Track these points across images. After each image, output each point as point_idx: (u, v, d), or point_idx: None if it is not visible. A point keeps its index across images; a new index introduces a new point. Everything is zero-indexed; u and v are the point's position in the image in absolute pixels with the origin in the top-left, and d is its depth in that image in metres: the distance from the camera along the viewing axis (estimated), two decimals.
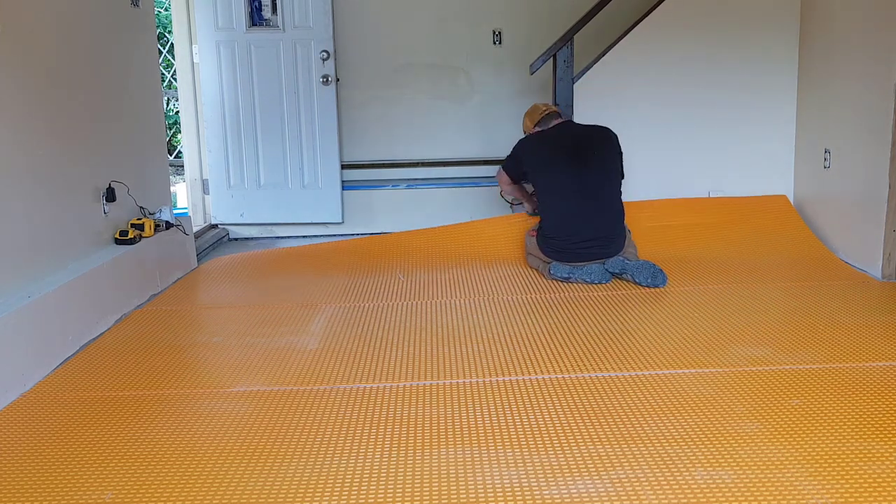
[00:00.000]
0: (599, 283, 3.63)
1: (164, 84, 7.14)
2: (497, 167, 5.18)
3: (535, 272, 3.90)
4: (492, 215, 5.18)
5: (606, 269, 3.66)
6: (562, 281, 3.70)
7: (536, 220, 4.06)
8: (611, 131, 3.87)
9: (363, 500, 1.83)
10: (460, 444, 2.08)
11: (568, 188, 3.74)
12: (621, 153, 3.87)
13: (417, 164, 5.24)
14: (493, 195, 5.19)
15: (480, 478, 1.91)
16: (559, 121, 3.97)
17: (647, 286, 3.55)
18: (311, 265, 4.28)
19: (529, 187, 4.15)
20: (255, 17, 4.97)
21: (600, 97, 4.34)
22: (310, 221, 5.16)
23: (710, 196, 4.48)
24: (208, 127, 5.07)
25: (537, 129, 4.00)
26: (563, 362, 2.65)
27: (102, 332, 3.13)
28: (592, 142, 3.82)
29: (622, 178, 3.88)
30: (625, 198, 4.10)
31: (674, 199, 4.45)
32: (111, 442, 2.16)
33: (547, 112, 3.99)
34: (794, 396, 2.32)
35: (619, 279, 3.68)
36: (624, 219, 3.84)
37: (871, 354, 2.64)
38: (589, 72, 4.36)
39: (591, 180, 3.74)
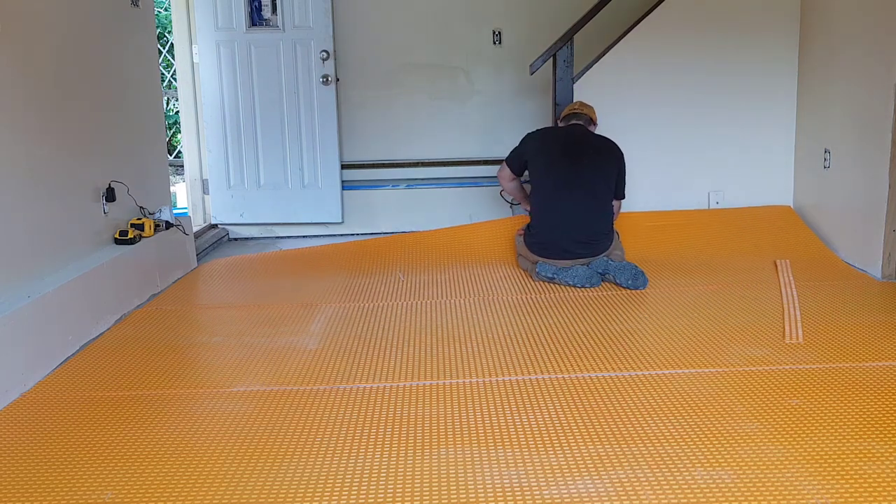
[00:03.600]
0: (584, 286, 3.59)
1: (164, 84, 7.14)
2: (497, 167, 5.21)
3: (526, 274, 3.90)
4: (492, 215, 5.20)
5: (592, 269, 3.63)
6: (546, 281, 3.69)
7: (528, 220, 4.08)
8: (616, 146, 3.91)
9: (363, 500, 1.83)
10: (460, 444, 2.08)
11: (559, 182, 3.79)
12: (622, 171, 3.90)
13: (417, 164, 5.24)
14: (494, 195, 5.19)
15: (480, 478, 1.91)
16: (574, 122, 4.00)
17: (629, 288, 3.54)
18: (310, 266, 4.29)
19: (529, 187, 4.17)
20: (255, 17, 4.97)
21: (600, 97, 4.34)
22: (310, 221, 5.16)
23: (710, 195, 4.47)
24: (208, 127, 5.07)
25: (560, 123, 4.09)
26: (563, 362, 2.65)
27: (102, 332, 3.13)
28: (593, 147, 3.88)
29: (621, 198, 3.94)
30: (625, 202, 4.11)
31: (675, 211, 4.43)
32: (111, 442, 2.16)
33: (571, 112, 4.03)
34: (794, 396, 2.32)
35: (604, 280, 3.66)
36: (612, 222, 3.86)
37: (871, 354, 2.64)
38: (589, 72, 4.36)
39: (583, 179, 3.78)
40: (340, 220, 5.16)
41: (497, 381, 2.51)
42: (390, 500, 1.83)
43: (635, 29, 4.34)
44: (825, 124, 4.12)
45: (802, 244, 4.15)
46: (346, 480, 1.92)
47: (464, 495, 1.83)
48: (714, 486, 1.83)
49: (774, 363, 2.59)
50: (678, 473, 1.89)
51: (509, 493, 1.83)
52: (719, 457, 1.97)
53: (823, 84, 4.13)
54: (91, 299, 3.08)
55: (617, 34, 4.48)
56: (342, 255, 4.43)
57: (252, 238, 5.19)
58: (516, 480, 1.89)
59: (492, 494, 1.83)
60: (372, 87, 5.18)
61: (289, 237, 5.18)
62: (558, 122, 4.12)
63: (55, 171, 3.02)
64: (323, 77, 4.93)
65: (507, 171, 4.10)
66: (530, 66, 4.41)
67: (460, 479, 1.91)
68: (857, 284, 3.52)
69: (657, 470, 1.91)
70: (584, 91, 4.32)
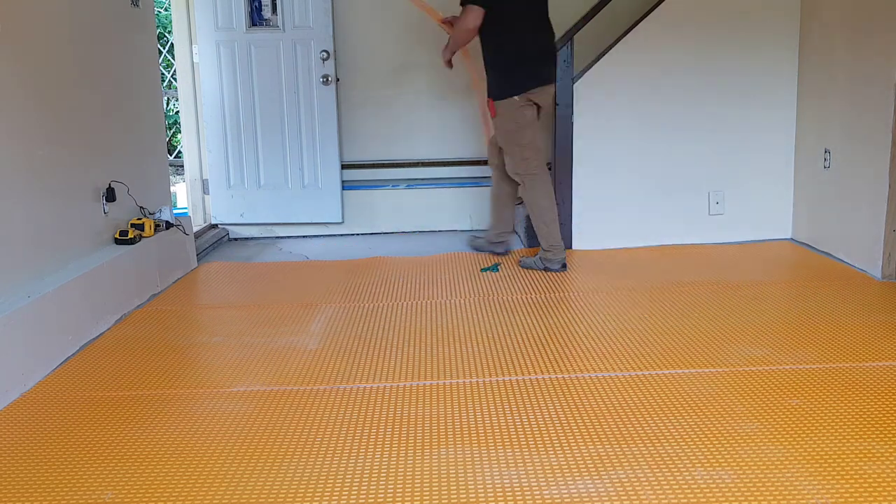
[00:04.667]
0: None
1: (164, 84, 7.14)
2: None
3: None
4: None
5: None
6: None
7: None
8: None
9: (363, 500, 1.83)
10: (460, 444, 2.08)
11: (527, 16, 4.05)
12: None
13: (417, 164, 5.24)
14: None
15: (480, 478, 1.91)
16: None
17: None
18: (310, 267, 4.29)
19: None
20: (255, 17, 4.97)
21: (600, 97, 4.34)
22: (310, 221, 5.16)
23: (710, 195, 4.46)
24: (208, 127, 5.07)
25: None
26: (563, 362, 2.65)
27: (102, 332, 3.13)
28: None
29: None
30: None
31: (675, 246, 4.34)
32: (111, 442, 2.16)
33: None
34: (794, 396, 2.32)
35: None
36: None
37: (871, 354, 2.65)
38: (589, 72, 4.36)
39: (542, 17, 4.11)
40: (340, 220, 5.16)
41: (497, 381, 2.51)
42: (390, 500, 1.83)
43: (635, 29, 4.34)
44: (825, 124, 4.12)
45: (801, 249, 4.14)
46: (346, 480, 1.92)
47: (464, 495, 1.83)
48: (714, 486, 1.84)
49: (774, 363, 2.59)
50: (678, 473, 1.90)
51: (509, 493, 1.83)
52: (719, 457, 1.97)
53: (823, 84, 4.13)
54: (91, 299, 3.08)
55: (617, 34, 4.48)
56: (342, 263, 4.43)
57: (252, 238, 5.19)
58: (516, 480, 1.89)
59: (492, 494, 1.83)
60: (372, 87, 5.17)
61: (289, 237, 5.18)
62: None
63: (55, 171, 3.02)
64: (323, 77, 4.93)
65: (479, 12, 3.92)
66: None
67: (460, 479, 1.91)
68: (857, 284, 3.53)
69: (657, 470, 1.91)
70: (584, 91, 4.32)
